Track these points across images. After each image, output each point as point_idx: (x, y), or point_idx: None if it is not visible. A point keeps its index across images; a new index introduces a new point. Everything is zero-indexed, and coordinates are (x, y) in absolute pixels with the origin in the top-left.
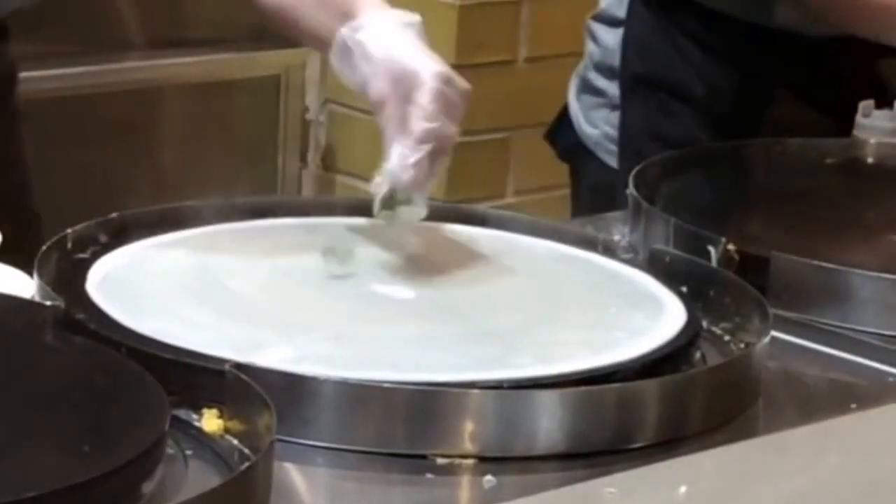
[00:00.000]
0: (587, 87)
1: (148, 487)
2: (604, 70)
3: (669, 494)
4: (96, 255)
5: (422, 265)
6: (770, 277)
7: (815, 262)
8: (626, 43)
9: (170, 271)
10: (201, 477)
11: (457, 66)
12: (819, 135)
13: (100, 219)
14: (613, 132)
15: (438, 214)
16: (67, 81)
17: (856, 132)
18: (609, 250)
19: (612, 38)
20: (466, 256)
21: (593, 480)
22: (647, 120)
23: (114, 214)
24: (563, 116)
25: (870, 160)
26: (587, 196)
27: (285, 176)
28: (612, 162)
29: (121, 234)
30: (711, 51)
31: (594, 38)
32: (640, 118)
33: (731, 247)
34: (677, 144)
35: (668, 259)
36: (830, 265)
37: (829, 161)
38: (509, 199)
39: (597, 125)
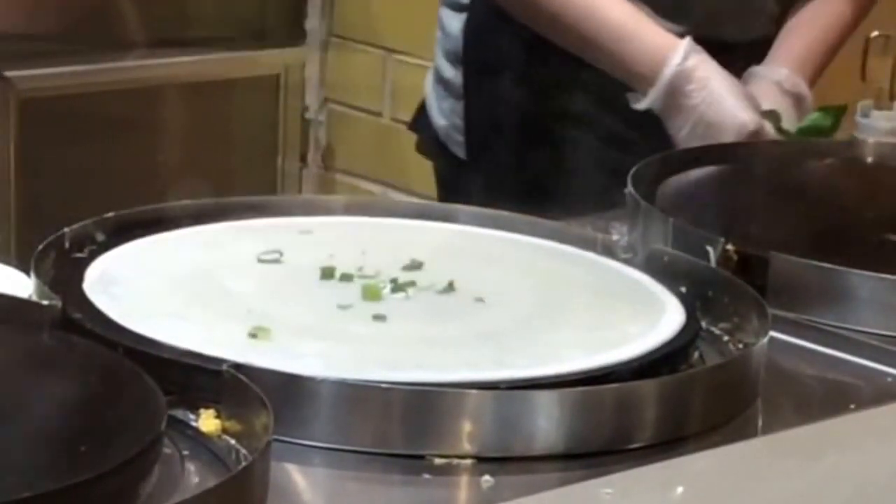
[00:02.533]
0: (438, 78)
1: (145, 488)
2: (451, 58)
3: (667, 495)
4: (93, 255)
5: (420, 265)
6: (769, 277)
7: (814, 263)
8: (467, 29)
9: (167, 271)
10: (198, 477)
11: None
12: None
13: (97, 218)
14: (460, 122)
15: (436, 214)
16: (67, 80)
17: (855, 132)
18: (608, 250)
19: (456, 24)
20: (465, 256)
21: (591, 481)
22: (489, 108)
23: (111, 213)
24: (423, 109)
25: (869, 160)
26: (441, 190)
27: (285, 175)
28: (460, 153)
29: (118, 233)
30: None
31: (441, 26)
32: (483, 107)
33: (729, 247)
34: (519, 132)
35: (666, 259)
36: (829, 265)
37: (828, 161)
38: None
39: (446, 116)
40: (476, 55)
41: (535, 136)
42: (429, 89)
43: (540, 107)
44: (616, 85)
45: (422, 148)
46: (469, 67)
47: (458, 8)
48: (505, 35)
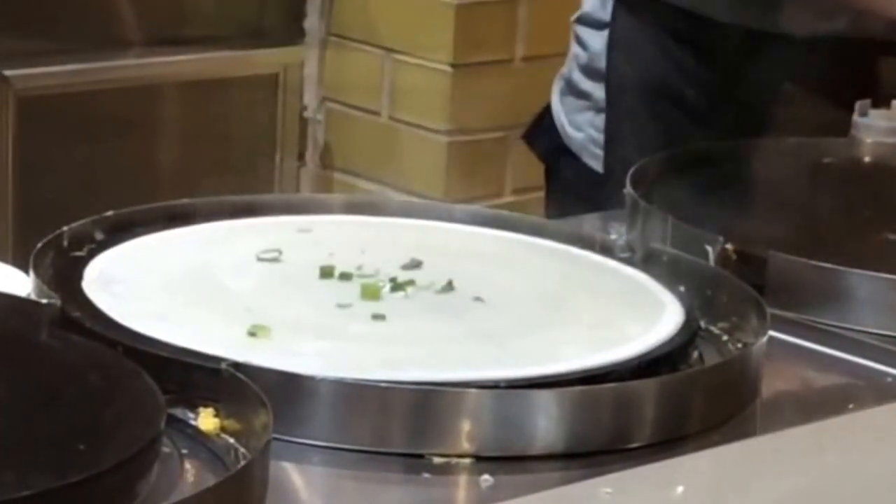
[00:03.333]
0: (572, 90)
1: (143, 486)
2: (591, 73)
3: (666, 495)
4: (92, 253)
5: (419, 264)
6: (768, 277)
7: (813, 262)
8: (611, 46)
9: (166, 269)
10: (197, 476)
11: (454, 65)
12: (813, 135)
13: (96, 216)
14: (598, 135)
15: (436, 214)
16: (65, 78)
17: (853, 132)
18: (607, 249)
19: (598, 41)
20: (464, 255)
21: (590, 480)
22: (633, 123)
23: (110, 212)
24: (543, 118)
25: (867, 160)
26: (567, 199)
27: (283, 174)
28: (596, 165)
29: (117, 232)
30: (699, 51)
31: (580, 42)
32: (626, 121)
33: (728, 246)
34: (664, 148)
35: (665, 258)
36: (828, 265)
37: (826, 160)
38: (507, 199)
39: (581, 128)
40: (621, 72)
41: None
42: (556, 101)
43: (689, 123)
44: (767, 100)
45: (544, 157)
46: (613, 83)
47: (599, 26)
48: (652, 53)
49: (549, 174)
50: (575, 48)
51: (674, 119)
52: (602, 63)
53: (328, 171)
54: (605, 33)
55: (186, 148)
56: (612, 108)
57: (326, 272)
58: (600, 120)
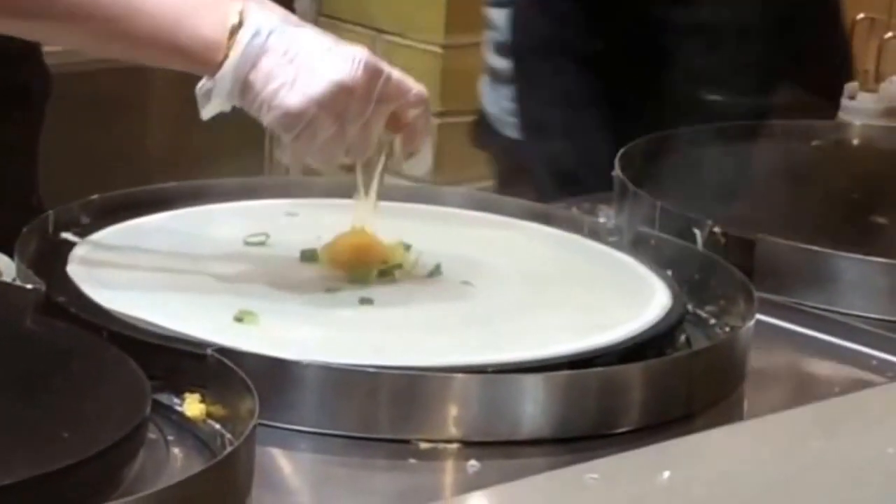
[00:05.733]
0: (488, 70)
1: (129, 473)
2: (500, 50)
3: (653, 479)
4: (78, 237)
5: (406, 248)
6: (755, 260)
7: (801, 245)
8: (513, 17)
9: (152, 253)
10: (183, 462)
11: (445, 46)
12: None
13: (81, 200)
14: (510, 104)
15: (424, 196)
16: (56, 59)
17: (842, 114)
18: (594, 233)
19: (503, 18)
20: (452, 239)
21: (577, 465)
22: (538, 85)
23: (95, 196)
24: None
25: (856, 142)
26: (498, 173)
27: (272, 158)
28: (514, 133)
29: (103, 216)
30: (591, 8)
31: (490, 24)
32: (530, 85)
33: (716, 229)
34: (571, 105)
35: (653, 241)
36: (816, 248)
37: (815, 143)
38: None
39: (497, 103)
40: (521, 38)
41: (586, 106)
42: (482, 88)
43: (590, 79)
44: (664, 51)
45: (478, 142)
46: (516, 51)
47: (504, 4)
48: (548, 16)
49: (491, 160)
50: (487, 33)
51: (575, 77)
52: (508, 37)
53: None
54: (509, 10)
55: (176, 130)
56: (517, 75)
57: (310, 256)
58: (510, 91)
